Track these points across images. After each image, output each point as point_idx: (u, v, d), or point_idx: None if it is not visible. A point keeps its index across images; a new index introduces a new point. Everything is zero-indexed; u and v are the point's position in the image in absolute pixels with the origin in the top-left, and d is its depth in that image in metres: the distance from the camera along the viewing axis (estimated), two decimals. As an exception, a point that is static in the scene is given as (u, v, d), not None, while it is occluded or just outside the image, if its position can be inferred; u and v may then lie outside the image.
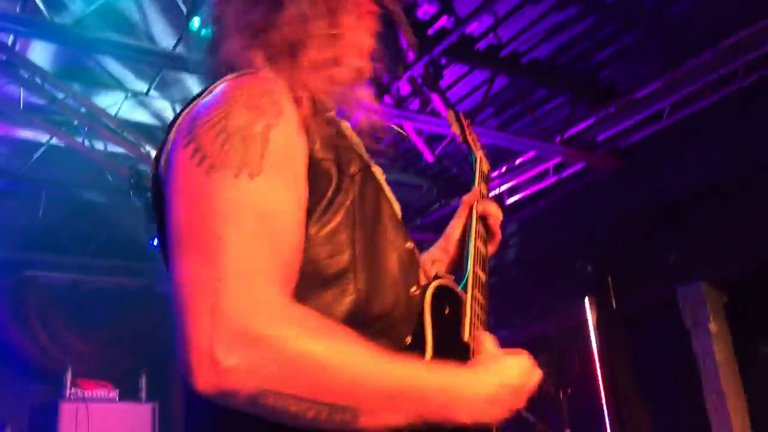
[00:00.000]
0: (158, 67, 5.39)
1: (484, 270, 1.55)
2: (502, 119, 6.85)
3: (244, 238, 0.98)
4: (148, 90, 5.94)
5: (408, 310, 1.22)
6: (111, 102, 5.84)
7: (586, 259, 7.12)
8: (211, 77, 1.23)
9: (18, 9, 4.41)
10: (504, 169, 7.22)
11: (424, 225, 7.68)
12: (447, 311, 1.31)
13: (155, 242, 6.57)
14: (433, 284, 1.30)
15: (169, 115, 6.31)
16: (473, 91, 6.34)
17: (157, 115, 6.26)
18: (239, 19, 1.27)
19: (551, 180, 7.00)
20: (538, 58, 6.03)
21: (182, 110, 1.18)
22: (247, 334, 0.92)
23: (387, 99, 5.69)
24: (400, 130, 5.96)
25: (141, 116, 6.17)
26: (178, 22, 4.87)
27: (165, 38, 5.04)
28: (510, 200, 7.44)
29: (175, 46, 4.89)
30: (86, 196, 6.72)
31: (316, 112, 1.20)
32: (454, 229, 1.76)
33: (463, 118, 2.01)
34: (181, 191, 1.04)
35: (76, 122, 5.61)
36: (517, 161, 7.08)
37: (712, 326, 6.38)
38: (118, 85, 5.88)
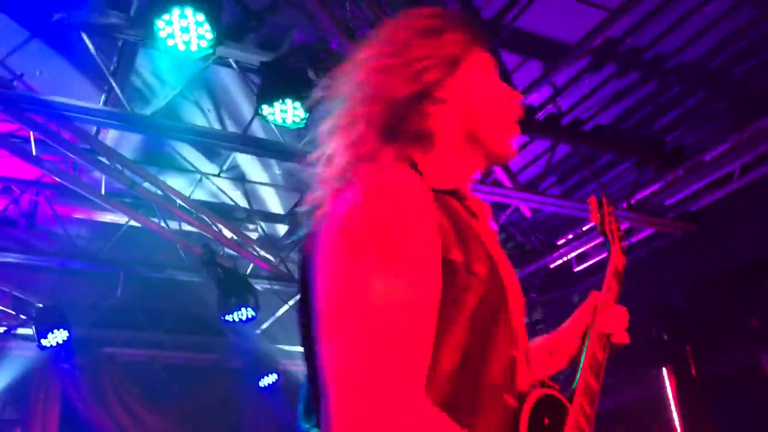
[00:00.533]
0: (229, 149, 5.64)
1: (597, 378, 1.48)
2: (566, 186, 6.82)
3: (387, 331, 1.01)
4: (220, 172, 6.20)
5: (503, 418, 1.20)
6: (185, 184, 6.11)
7: (661, 327, 6.88)
8: (333, 165, 1.26)
9: (101, 102, 4.71)
10: (571, 236, 7.13)
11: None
12: (546, 422, 1.28)
13: (226, 317, 6.72)
14: (535, 393, 1.27)
15: (239, 195, 6.55)
16: (536, 160, 6.36)
17: (228, 195, 6.50)
18: (366, 107, 1.30)
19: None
20: (601, 125, 6.03)
21: (323, 197, 1.21)
22: (380, 424, 0.96)
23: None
24: None
25: (213, 197, 6.42)
26: (249, 105, 5.11)
27: (235, 122, 5.29)
28: (578, 267, 7.31)
29: (245, 130, 5.12)
30: (161, 275, 6.96)
31: (448, 203, 1.22)
32: (577, 324, 1.68)
33: (605, 205, 1.93)
34: (330, 282, 1.08)
35: (152, 204, 5.87)
36: (584, 227, 6.98)
37: (803, 395, 6.01)
38: (191, 167, 6.17)
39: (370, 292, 1.03)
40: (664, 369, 7.00)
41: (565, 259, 7.22)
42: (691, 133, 6.15)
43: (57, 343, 6.85)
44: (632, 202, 6.24)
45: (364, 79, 1.33)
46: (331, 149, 1.29)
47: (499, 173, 5.85)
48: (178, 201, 5.88)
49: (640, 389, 7.13)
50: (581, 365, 1.48)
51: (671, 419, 6.72)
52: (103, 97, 4.88)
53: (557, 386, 1.37)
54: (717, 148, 5.85)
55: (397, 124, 1.29)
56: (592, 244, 7.00)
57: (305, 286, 1.19)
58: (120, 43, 4.62)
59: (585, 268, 7.30)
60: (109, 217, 6.30)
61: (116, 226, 6.41)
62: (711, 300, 6.63)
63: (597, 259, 7.15)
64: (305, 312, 1.21)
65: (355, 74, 1.35)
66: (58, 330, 6.81)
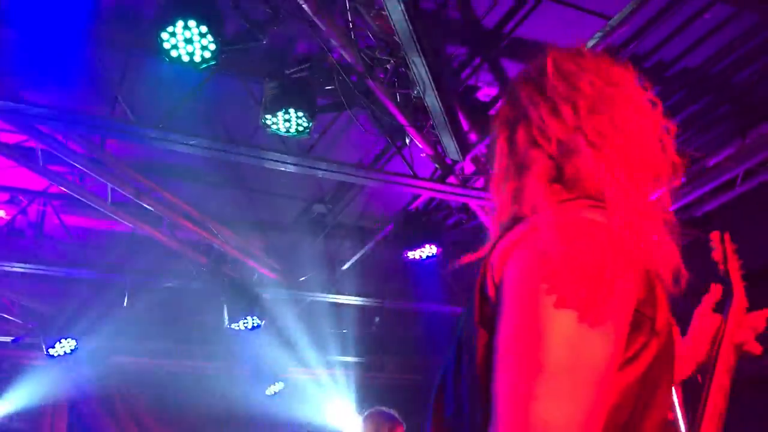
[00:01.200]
0: (234, 157, 5.67)
1: (725, 398, 1.52)
2: (570, 193, 6.83)
3: (567, 382, 0.99)
4: (224, 179, 6.25)
5: None
6: (190, 193, 6.16)
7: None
8: (524, 198, 1.22)
9: (108, 113, 4.77)
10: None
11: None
12: None
13: (232, 326, 6.76)
14: None
15: (241, 203, 6.57)
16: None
17: (235, 204, 6.54)
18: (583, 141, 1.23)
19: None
20: (602, 131, 6.04)
21: (518, 223, 1.17)
22: None
23: (451, 179, 5.79)
24: None
25: (217, 205, 6.46)
26: (252, 115, 5.15)
27: (240, 130, 5.33)
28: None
29: (250, 138, 5.17)
30: (167, 283, 7.01)
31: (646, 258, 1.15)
32: (702, 330, 1.68)
33: (727, 243, 1.83)
34: (521, 315, 1.05)
35: (158, 214, 5.92)
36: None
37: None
38: (197, 176, 6.21)
39: (561, 339, 1.01)
40: (670, 375, 6.99)
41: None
42: (695, 139, 6.16)
43: (65, 352, 6.90)
44: (636, 208, 6.24)
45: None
46: (520, 182, 1.25)
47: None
48: (184, 209, 5.94)
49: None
50: (712, 380, 1.50)
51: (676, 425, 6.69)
52: (109, 108, 4.95)
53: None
54: (720, 153, 5.85)
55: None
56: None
57: (482, 309, 1.15)
58: (126, 54, 4.69)
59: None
60: (115, 227, 6.35)
61: (123, 236, 6.46)
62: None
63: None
64: (469, 326, 1.17)
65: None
66: (66, 340, 6.87)
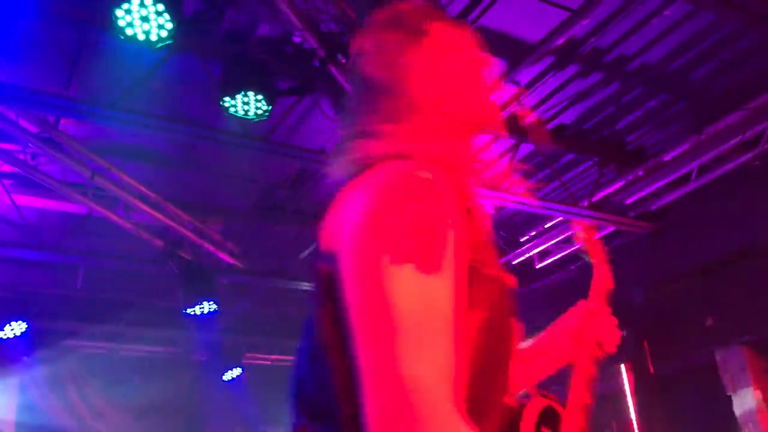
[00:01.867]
0: (192, 138, 5.58)
1: (590, 392, 1.52)
2: (529, 184, 6.89)
3: (423, 334, 1.00)
4: (182, 162, 6.15)
5: (503, 420, 1.21)
6: (147, 174, 6.05)
7: (621, 324, 6.98)
8: (350, 154, 1.28)
9: (59, 90, 4.64)
10: (534, 233, 7.21)
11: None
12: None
13: (188, 311, 6.68)
14: (538, 404, 1.29)
15: (199, 186, 6.49)
16: (499, 158, 6.41)
17: (189, 187, 6.44)
18: (382, 101, 1.31)
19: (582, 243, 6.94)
20: (563, 124, 6.10)
21: (337, 187, 1.21)
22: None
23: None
24: None
25: (175, 188, 6.35)
26: (210, 96, 5.06)
27: (194, 110, 5.24)
28: (540, 264, 7.40)
29: (209, 120, 5.08)
30: (123, 267, 6.89)
31: (468, 205, 1.20)
32: (564, 330, 1.71)
33: (591, 230, 1.99)
34: (364, 280, 1.06)
35: (113, 195, 5.80)
36: (547, 225, 7.07)
37: (756, 393, 6.16)
38: (154, 158, 6.10)
39: (406, 293, 1.02)
40: (623, 366, 7.12)
41: (527, 255, 7.30)
42: (652, 134, 6.26)
43: (15, 335, 6.76)
44: (593, 200, 6.33)
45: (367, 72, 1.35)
46: (347, 140, 1.31)
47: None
48: (141, 192, 5.83)
49: (599, 386, 7.24)
50: (574, 376, 1.51)
51: (628, 415, 6.84)
52: (64, 86, 4.82)
53: (553, 396, 1.40)
54: (676, 148, 5.96)
55: (402, 110, 1.29)
56: (554, 241, 7.09)
57: (323, 279, 1.16)
58: (82, 31, 4.57)
59: (547, 265, 7.39)
60: (69, 208, 6.21)
61: (77, 217, 6.32)
62: (670, 298, 6.76)
63: (559, 256, 7.24)
64: (320, 307, 1.17)
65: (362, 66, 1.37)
66: (16, 322, 6.72)
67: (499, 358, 1.19)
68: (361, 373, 1.02)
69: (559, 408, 1.39)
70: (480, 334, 1.13)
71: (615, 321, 1.70)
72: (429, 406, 0.96)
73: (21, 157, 5.51)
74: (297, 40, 4.60)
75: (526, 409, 1.27)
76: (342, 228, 1.13)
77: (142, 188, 5.84)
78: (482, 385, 1.14)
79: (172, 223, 6.05)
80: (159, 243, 6.30)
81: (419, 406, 0.96)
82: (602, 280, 1.84)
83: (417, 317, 1.01)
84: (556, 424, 1.36)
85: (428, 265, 1.03)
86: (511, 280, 1.28)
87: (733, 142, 5.59)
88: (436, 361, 1.00)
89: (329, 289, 1.13)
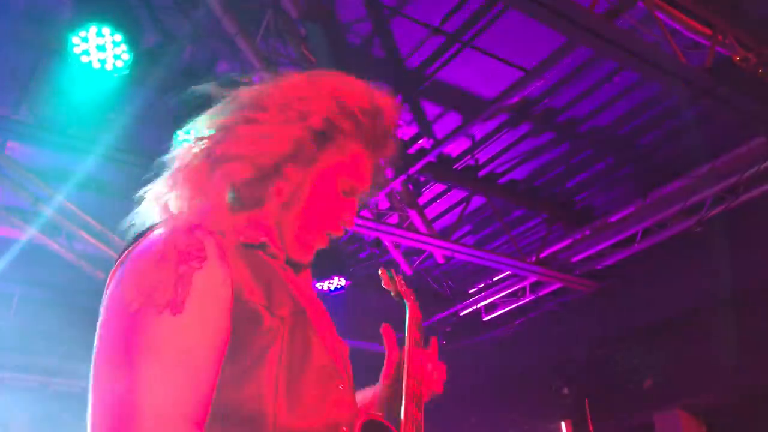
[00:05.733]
0: (143, 170, 5.50)
1: (419, 408, 1.52)
2: (479, 237, 6.96)
3: (163, 372, 1.04)
4: (132, 193, 6.02)
5: None
6: (92, 203, 5.91)
7: (563, 381, 7.03)
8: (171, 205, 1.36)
9: (8, 113, 4.55)
10: (482, 285, 7.26)
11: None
12: None
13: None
14: (362, 420, 1.29)
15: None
16: (451, 209, 6.48)
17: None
18: (185, 168, 1.37)
19: (528, 298, 7.03)
20: (515, 180, 6.22)
21: (129, 246, 1.24)
22: None
23: (366, 213, 5.80)
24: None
25: (121, 219, 6.21)
26: (166, 129, 5.02)
27: (148, 143, 5.17)
28: (487, 317, 7.44)
29: (161, 153, 5.02)
30: (61, 297, 6.67)
31: (253, 254, 1.25)
32: (385, 377, 1.67)
33: (395, 274, 1.99)
34: (109, 325, 1.11)
35: (56, 223, 5.65)
36: (495, 278, 7.13)
37: (691, 456, 6.23)
38: (103, 188, 5.98)
39: (144, 333, 1.06)
40: (563, 423, 7.13)
41: (475, 307, 7.33)
42: (600, 195, 6.42)
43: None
44: (541, 256, 6.42)
45: (235, 127, 1.37)
46: (179, 187, 1.37)
47: (415, 219, 5.92)
48: (85, 221, 5.69)
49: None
50: (403, 398, 1.51)
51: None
52: (13, 109, 4.72)
53: (382, 414, 1.41)
54: (622, 210, 6.11)
55: (244, 185, 1.32)
56: (501, 295, 7.14)
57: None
58: (35, 55, 4.50)
59: (494, 318, 7.42)
60: (7, 234, 6.01)
61: (14, 243, 6.11)
62: (611, 358, 6.84)
63: (506, 309, 7.29)
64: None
65: (232, 114, 1.40)
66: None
67: (297, 393, 1.20)
68: (94, 401, 1.04)
69: (389, 424, 1.39)
70: (274, 368, 1.18)
71: (434, 356, 1.67)
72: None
73: (-38, 178, 5.34)
74: (256, 79, 4.61)
75: (354, 425, 1.28)
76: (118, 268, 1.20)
77: (87, 218, 5.70)
78: (291, 411, 1.17)
79: (114, 255, 5.89)
80: (100, 274, 6.12)
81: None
82: (414, 316, 1.82)
83: (156, 353, 1.05)
84: None
85: (169, 308, 1.08)
86: (322, 321, 1.33)
87: (676, 207, 5.76)
88: (170, 393, 1.03)
89: None
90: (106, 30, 3.62)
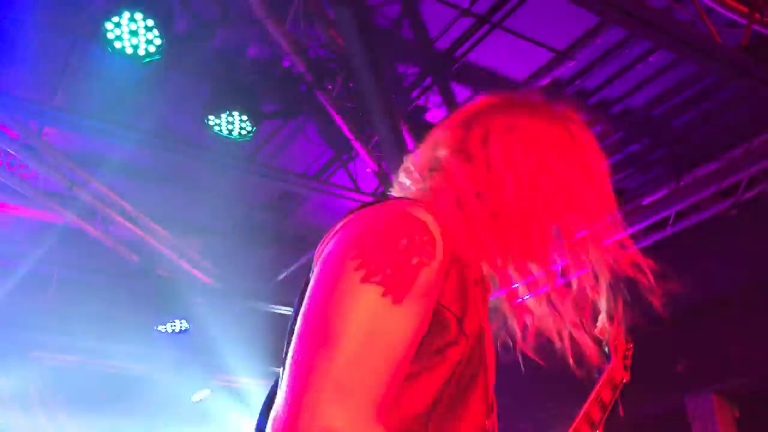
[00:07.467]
0: (174, 155, 5.58)
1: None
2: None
3: (366, 352, 1.06)
4: (164, 177, 6.13)
5: None
6: (128, 188, 6.02)
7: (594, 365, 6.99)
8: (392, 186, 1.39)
9: (45, 99, 4.64)
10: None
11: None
12: None
13: (159, 328, 6.61)
14: None
15: (179, 203, 6.46)
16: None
17: (170, 203, 6.41)
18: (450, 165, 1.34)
19: (560, 282, 6.98)
20: (545, 163, 6.16)
21: (352, 211, 1.24)
22: None
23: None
24: None
25: (155, 204, 6.32)
26: (197, 114, 5.08)
27: (180, 127, 5.25)
28: (518, 300, 7.41)
29: (193, 138, 5.09)
30: (97, 280, 6.81)
31: (461, 265, 1.24)
32: None
33: (617, 322, 2.03)
34: (332, 288, 1.11)
35: (91, 207, 5.76)
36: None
37: (723, 441, 6.18)
38: (136, 172, 6.08)
39: (363, 308, 1.08)
40: (593, 406, 7.11)
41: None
42: (633, 177, 6.33)
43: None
44: (572, 240, 6.37)
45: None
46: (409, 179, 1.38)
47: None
48: (119, 205, 5.80)
49: (569, 425, 7.22)
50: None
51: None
52: (49, 95, 4.81)
53: None
54: (655, 193, 6.03)
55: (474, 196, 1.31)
56: (531, 278, 7.11)
57: (303, 292, 1.20)
58: (70, 42, 4.58)
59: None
60: (45, 217, 6.15)
61: (51, 227, 6.26)
62: (643, 341, 6.77)
63: (534, 295, 7.25)
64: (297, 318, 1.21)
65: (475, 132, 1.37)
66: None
67: (462, 410, 1.21)
68: (290, 370, 1.06)
69: None
70: (443, 380, 1.18)
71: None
72: (342, 424, 1.00)
73: None
74: (286, 64, 4.63)
75: None
76: (329, 245, 1.20)
77: (122, 202, 5.81)
78: (446, 418, 1.17)
79: (149, 239, 6.00)
80: (135, 258, 6.25)
81: (330, 422, 0.99)
82: (615, 370, 2.00)
83: (364, 331, 1.06)
84: None
85: (394, 293, 1.08)
86: (492, 350, 1.33)
87: (710, 190, 5.66)
88: (364, 377, 1.05)
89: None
90: (138, 16, 3.68)
